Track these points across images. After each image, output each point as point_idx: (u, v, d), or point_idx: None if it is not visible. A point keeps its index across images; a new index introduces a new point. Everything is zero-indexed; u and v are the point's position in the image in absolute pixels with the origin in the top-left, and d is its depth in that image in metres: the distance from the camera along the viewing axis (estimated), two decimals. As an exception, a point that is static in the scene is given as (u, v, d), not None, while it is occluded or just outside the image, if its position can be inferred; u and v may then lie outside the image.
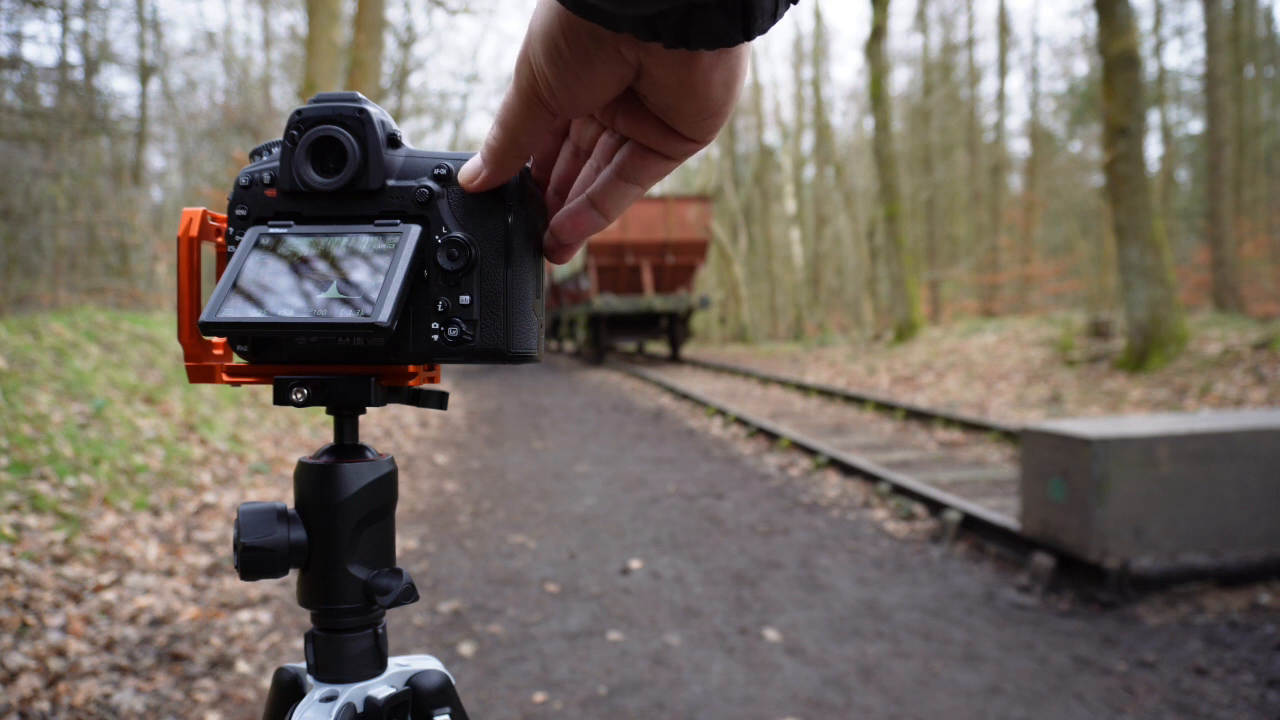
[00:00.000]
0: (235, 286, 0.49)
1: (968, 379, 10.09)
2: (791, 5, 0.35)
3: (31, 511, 3.48)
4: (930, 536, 4.19)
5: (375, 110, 0.51)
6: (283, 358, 0.55)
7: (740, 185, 30.01)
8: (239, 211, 0.54)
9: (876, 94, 15.09)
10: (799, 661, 2.82)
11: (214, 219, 0.58)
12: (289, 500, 0.57)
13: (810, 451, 6.17)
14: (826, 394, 9.96)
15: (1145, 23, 22.38)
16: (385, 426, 7.65)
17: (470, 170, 0.48)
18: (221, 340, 0.58)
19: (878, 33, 15.10)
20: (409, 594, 0.57)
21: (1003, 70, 25.06)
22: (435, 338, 0.52)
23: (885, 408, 8.48)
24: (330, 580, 0.56)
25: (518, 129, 0.43)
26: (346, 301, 0.47)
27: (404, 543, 4.18)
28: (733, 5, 0.32)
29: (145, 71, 17.03)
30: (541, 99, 0.40)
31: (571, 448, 7.01)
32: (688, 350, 20.30)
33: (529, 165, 0.55)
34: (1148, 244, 8.28)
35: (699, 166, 30.22)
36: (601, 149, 0.49)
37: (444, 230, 0.51)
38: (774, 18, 0.34)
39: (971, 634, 3.02)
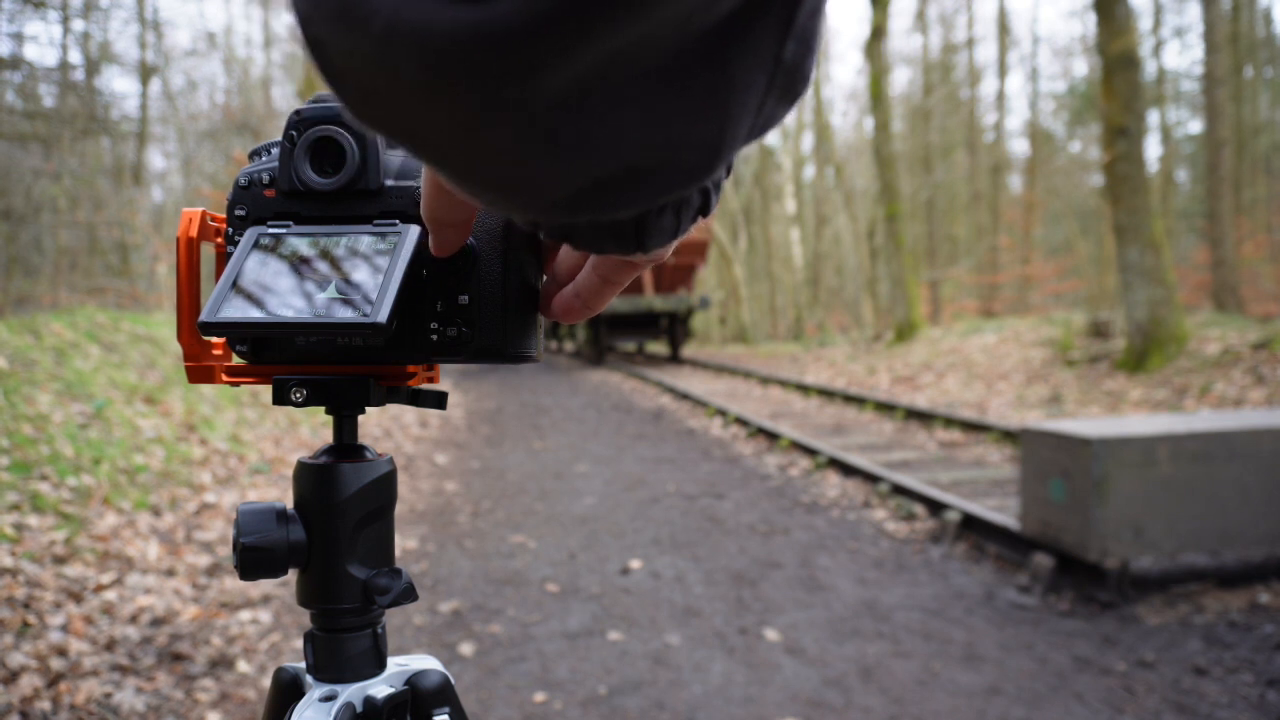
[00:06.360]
0: (235, 286, 0.49)
1: (968, 379, 10.08)
2: (701, 218, 0.31)
3: (32, 511, 3.48)
4: (930, 536, 4.19)
5: None
6: (282, 358, 0.55)
7: (740, 185, 29.99)
8: (238, 212, 0.54)
9: (876, 94, 15.09)
10: (799, 661, 2.82)
11: (213, 219, 0.58)
12: (289, 500, 0.57)
13: (810, 451, 6.16)
14: (826, 394, 9.95)
15: (1145, 23, 22.39)
16: (385, 426, 7.64)
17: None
18: (221, 340, 0.58)
19: (878, 33, 15.10)
20: (408, 594, 0.57)
21: (1002, 70, 25.07)
22: (434, 338, 0.52)
23: (885, 408, 8.48)
24: (329, 580, 0.56)
25: (432, 208, 0.39)
26: (346, 301, 0.47)
27: (404, 543, 4.18)
28: (623, 228, 0.29)
29: (146, 72, 17.03)
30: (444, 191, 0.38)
31: (571, 448, 7.00)
32: (688, 350, 20.28)
33: None
34: (1147, 244, 8.28)
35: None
36: None
37: None
38: (675, 234, 0.31)
39: (971, 634, 3.02)
